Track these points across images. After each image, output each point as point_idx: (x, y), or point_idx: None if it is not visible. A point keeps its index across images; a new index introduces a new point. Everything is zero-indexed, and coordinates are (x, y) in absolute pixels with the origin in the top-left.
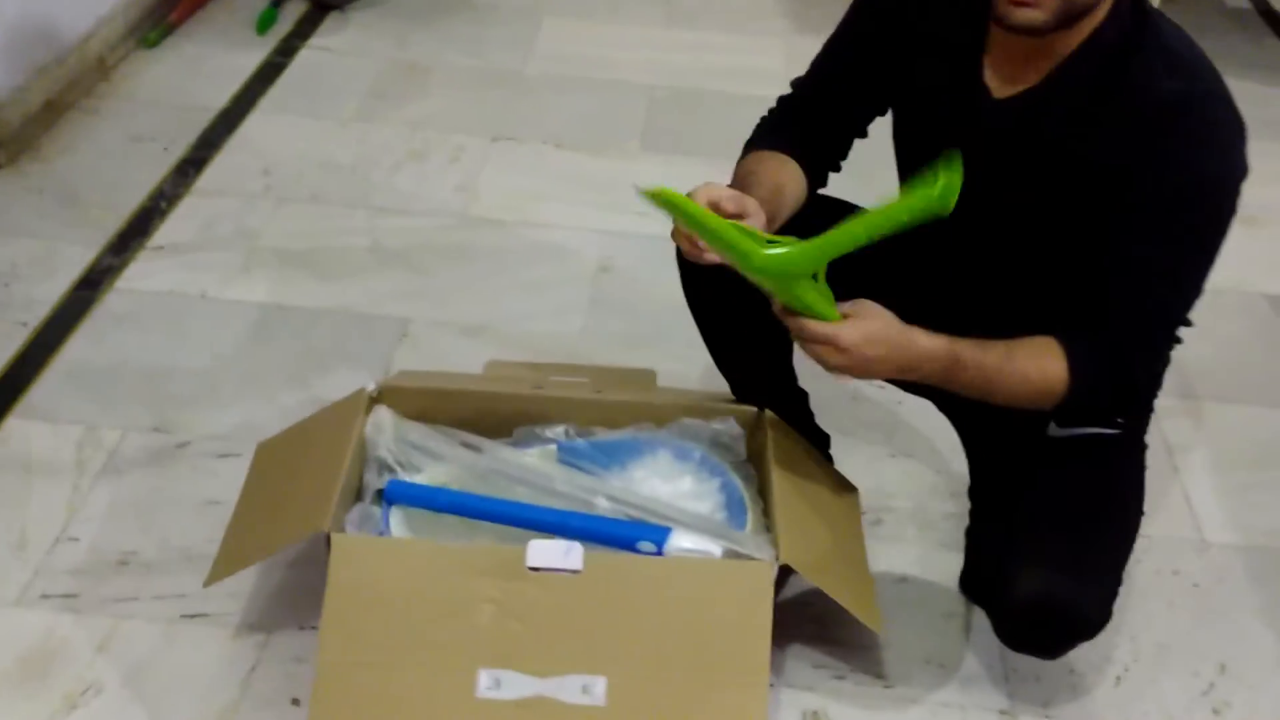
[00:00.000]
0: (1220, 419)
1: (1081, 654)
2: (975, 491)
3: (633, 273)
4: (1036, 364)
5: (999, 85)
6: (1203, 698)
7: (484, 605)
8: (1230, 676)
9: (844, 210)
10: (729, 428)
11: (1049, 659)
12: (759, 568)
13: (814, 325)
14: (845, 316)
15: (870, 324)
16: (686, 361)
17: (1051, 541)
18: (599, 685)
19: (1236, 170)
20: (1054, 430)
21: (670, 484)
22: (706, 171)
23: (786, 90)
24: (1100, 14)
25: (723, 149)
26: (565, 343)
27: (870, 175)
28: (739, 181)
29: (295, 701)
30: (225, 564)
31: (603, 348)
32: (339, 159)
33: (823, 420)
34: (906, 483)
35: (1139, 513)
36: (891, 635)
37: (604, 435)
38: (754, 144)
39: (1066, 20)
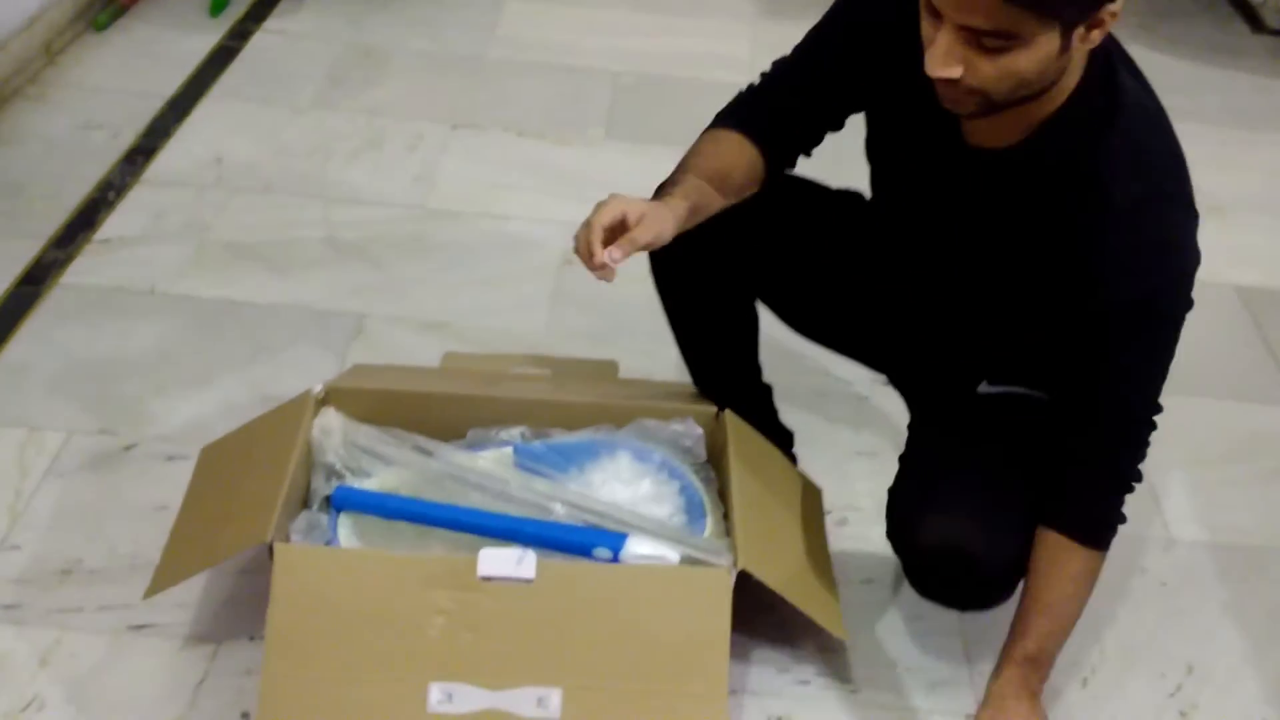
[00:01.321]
0: (1189, 414)
1: None
2: (905, 454)
3: None
4: (1073, 584)
5: (976, 134)
6: (1170, 699)
7: (435, 616)
8: (1198, 677)
9: (806, 193)
10: (689, 429)
11: (959, 609)
12: (716, 575)
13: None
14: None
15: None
16: (650, 357)
17: (961, 489)
18: (554, 697)
19: (1192, 265)
20: (984, 388)
21: (629, 487)
22: (672, 159)
23: (754, 77)
24: (1071, 80)
25: (688, 136)
26: (526, 339)
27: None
28: (685, 160)
29: (245, 715)
30: (166, 575)
31: (565, 344)
32: (294, 148)
33: (786, 416)
34: (872, 480)
35: None
36: (858, 639)
37: (561, 437)
38: (717, 121)
39: (999, 108)
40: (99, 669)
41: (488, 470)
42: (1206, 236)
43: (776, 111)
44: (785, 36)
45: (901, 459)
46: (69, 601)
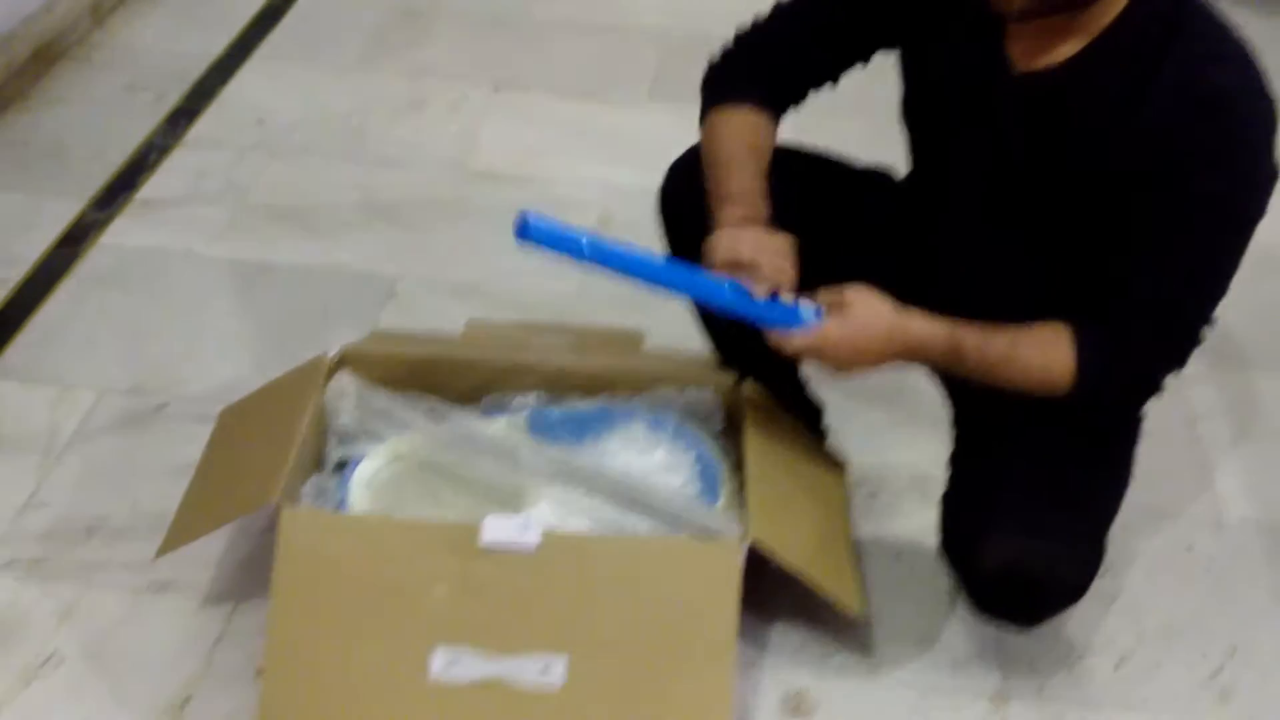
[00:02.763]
0: (1247, 388)
1: (1083, 635)
2: (956, 453)
3: (634, 228)
4: (1041, 356)
5: (1023, 58)
6: (1210, 681)
7: (439, 583)
8: (1240, 659)
9: (835, 170)
10: (704, 397)
11: (1023, 628)
12: (725, 547)
13: (798, 338)
14: (830, 305)
15: (858, 313)
16: (683, 326)
17: (1025, 505)
18: (558, 665)
19: (1267, 172)
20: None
21: (643, 456)
22: None
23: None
24: None
25: None
26: (558, 303)
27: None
28: (719, 156)
29: (260, 675)
30: (176, 535)
31: (598, 309)
32: (335, 109)
33: (818, 388)
34: (906, 452)
35: (1124, 482)
36: (883, 613)
37: (576, 404)
38: (721, 93)
39: (1055, 8)
40: (118, 626)
41: (500, 437)
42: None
43: (779, 70)
44: None
45: (952, 459)
46: (93, 558)
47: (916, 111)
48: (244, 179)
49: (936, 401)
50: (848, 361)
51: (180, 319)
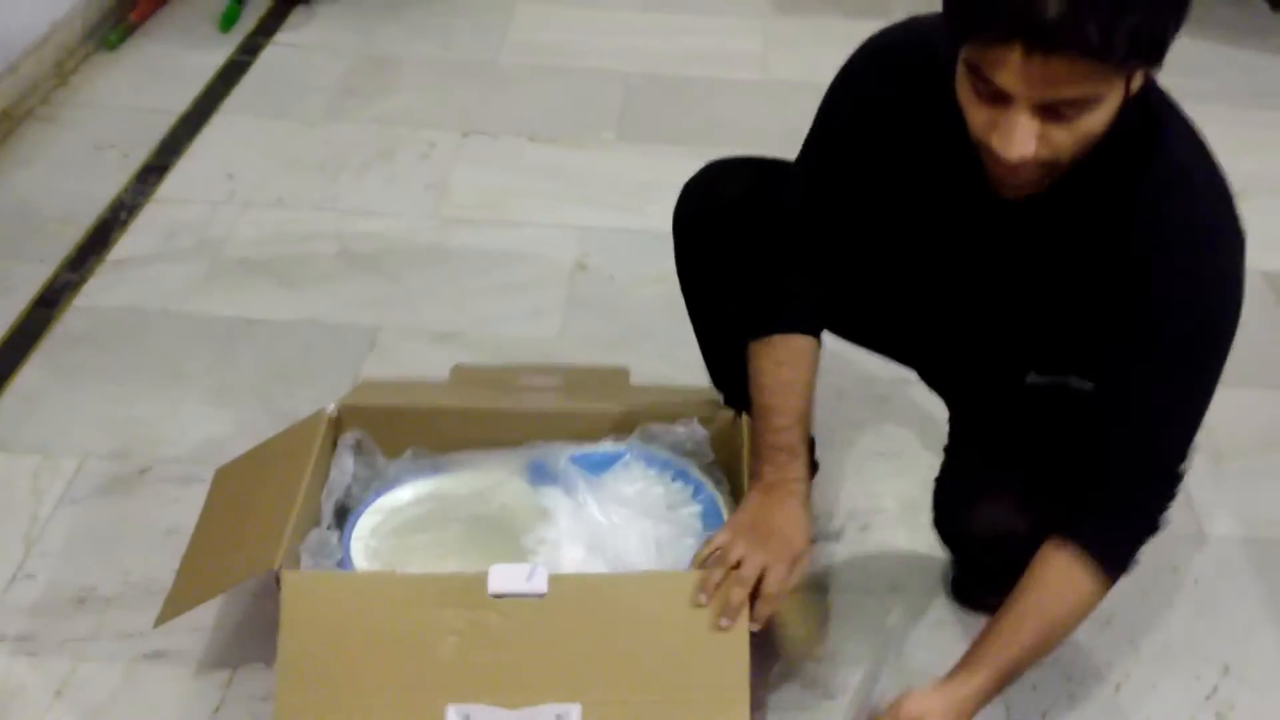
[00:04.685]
0: (1217, 405)
1: (1080, 660)
2: (950, 445)
3: (610, 270)
4: (1065, 606)
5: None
6: (1206, 702)
7: (447, 637)
8: (1234, 678)
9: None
10: (692, 431)
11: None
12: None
13: None
14: None
15: None
16: (667, 361)
17: (1009, 477)
18: (574, 714)
19: (1237, 300)
20: (1033, 378)
21: (644, 495)
22: (684, 162)
23: (766, 73)
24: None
25: (701, 136)
26: (541, 346)
27: None
28: (768, 401)
29: None
30: (176, 603)
31: (580, 350)
32: (306, 161)
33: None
34: (894, 481)
35: None
36: (880, 648)
37: (571, 450)
38: (766, 322)
39: (1063, 172)
40: (114, 698)
41: (500, 488)
42: None
43: (815, 289)
44: (799, 31)
45: (946, 450)
46: (83, 630)
47: (885, 226)
48: (217, 234)
49: (923, 430)
50: None
51: (160, 379)
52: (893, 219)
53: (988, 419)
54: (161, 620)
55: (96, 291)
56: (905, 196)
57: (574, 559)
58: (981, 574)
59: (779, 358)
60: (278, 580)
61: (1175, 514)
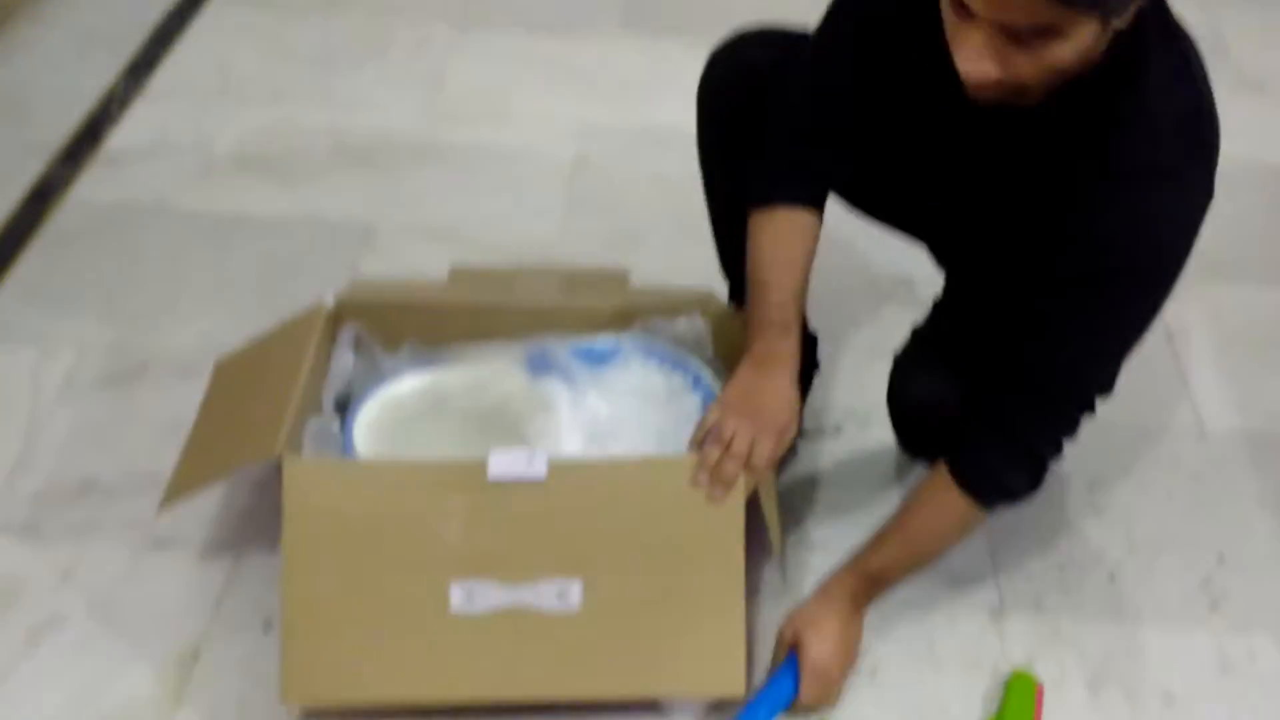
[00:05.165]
0: (1224, 300)
1: (1076, 549)
2: (924, 319)
3: (611, 167)
4: (939, 520)
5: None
6: (1200, 590)
7: (450, 520)
8: (1228, 567)
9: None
10: (693, 324)
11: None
12: None
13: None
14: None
15: (814, 652)
16: (668, 259)
17: (951, 355)
18: (574, 589)
19: (1181, 253)
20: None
21: (643, 386)
22: (690, 54)
23: None
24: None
25: (710, 26)
26: (540, 246)
27: None
28: (763, 275)
29: (268, 625)
30: (178, 489)
31: (579, 249)
32: (299, 53)
33: (810, 316)
34: None
35: None
36: None
37: (570, 342)
38: (767, 191)
39: (1033, 95)
40: (120, 584)
41: (500, 377)
42: (1244, 116)
43: (819, 160)
44: None
45: (912, 329)
46: (87, 519)
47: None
48: (210, 129)
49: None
50: (837, 661)
51: (156, 273)
52: (890, 105)
53: (964, 299)
54: (165, 505)
55: (90, 187)
56: (902, 85)
57: (574, 449)
58: (912, 447)
59: (778, 231)
60: (280, 466)
61: (1178, 409)
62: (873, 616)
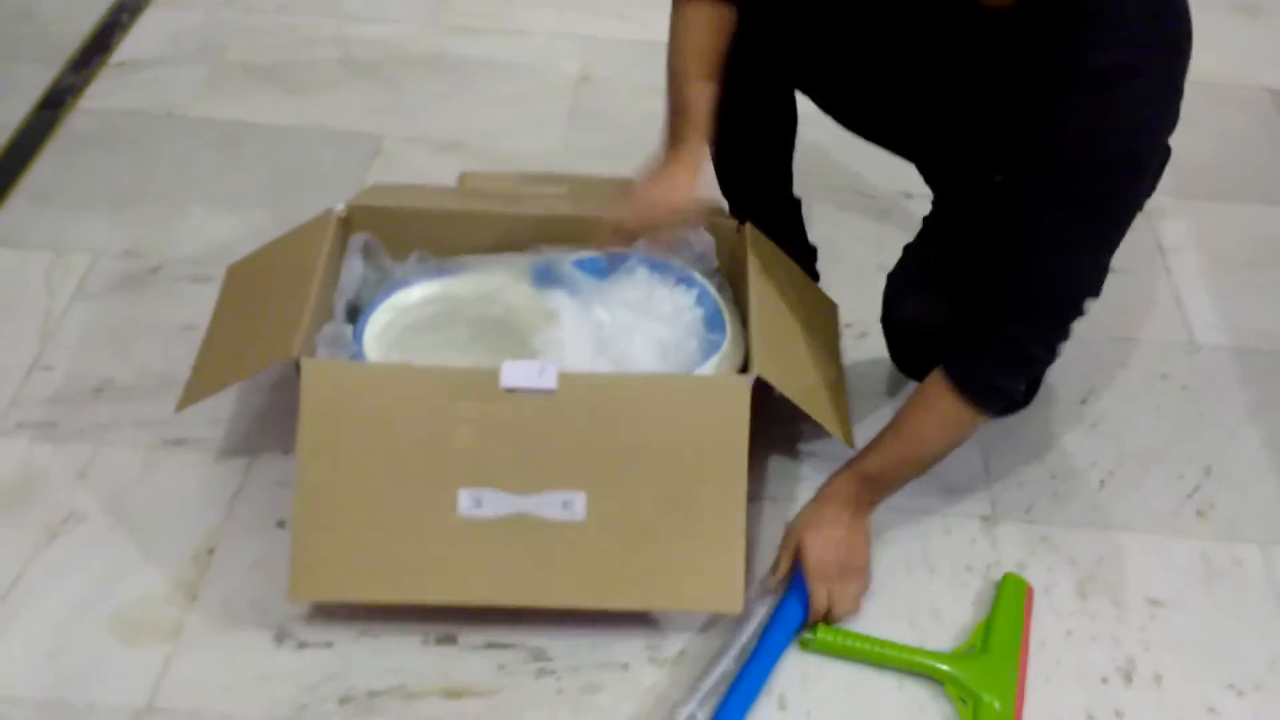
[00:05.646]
0: (1215, 218)
1: (1066, 458)
2: (914, 239)
3: (615, 82)
4: (933, 423)
5: None
6: (1188, 500)
7: (461, 426)
8: (1216, 478)
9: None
10: (699, 237)
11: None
12: (735, 383)
13: (814, 615)
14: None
15: (811, 552)
16: None
17: (944, 267)
18: (579, 501)
19: (1151, 152)
20: (999, 178)
21: (648, 299)
22: None
23: None
24: None
25: None
26: (544, 159)
27: None
28: (676, 70)
29: (280, 524)
30: (196, 388)
31: (583, 162)
32: None
33: (809, 230)
34: None
35: None
36: None
37: (576, 254)
38: None
39: None
40: (136, 482)
41: (507, 286)
42: (1237, 37)
43: None
44: None
45: (905, 247)
46: (103, 418)
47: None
48: (219, 38)
49: None
50: (836, 565)
51: (167, 180)
52: (860, 9)
53: (951, 218)
54: (183, 404)
55: (100, 94)
56: None
57: (580, 360)
58: (906, 364)
59: (694, 22)
60: (297, 367)
61: (1170, 325)
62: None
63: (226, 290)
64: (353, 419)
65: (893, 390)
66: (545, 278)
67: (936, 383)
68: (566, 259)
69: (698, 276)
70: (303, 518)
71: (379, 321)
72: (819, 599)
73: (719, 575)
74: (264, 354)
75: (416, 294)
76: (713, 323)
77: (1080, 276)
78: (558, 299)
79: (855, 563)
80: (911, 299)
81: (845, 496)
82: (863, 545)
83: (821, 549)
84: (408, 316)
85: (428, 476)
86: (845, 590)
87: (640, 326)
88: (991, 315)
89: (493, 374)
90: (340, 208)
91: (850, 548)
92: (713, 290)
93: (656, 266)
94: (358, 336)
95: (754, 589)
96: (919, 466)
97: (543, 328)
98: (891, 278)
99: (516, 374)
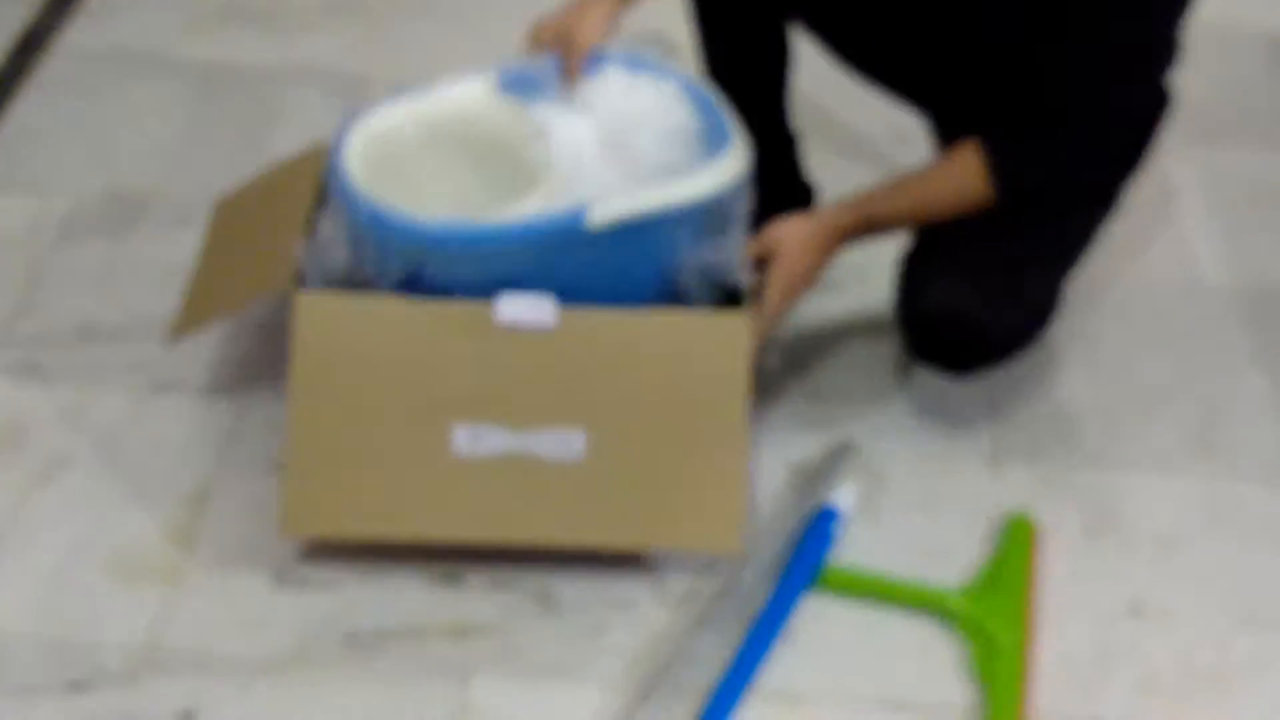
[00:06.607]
0: (1219, 162)
1: (1071, 399)
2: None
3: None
4: (953, 181)
5: None
6: (1193, 440)
7: (457, 362)
8: (1221, 419)
9: None
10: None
11: (956, 376)
12: (735, 321)
13: (762, 317)
14: (761, 256)
15: (788, 251)
16: None
17: (969, 254)
18: (577, 439)
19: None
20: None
21: (631, 96)
22: None
23: None
24: None
25: None
26: None
27: None
28: None
29: (274, 467)
30: (187, 320)
31: None
32: None
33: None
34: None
35: (1075, 254)
36: (877, 387)
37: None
38: None
39: None
40: (125, 426)
41: (480, 99)
42: None
43: None
44: None
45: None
46: (91, 361)
47: None
48: None
49: None
50: (803, 287)
51: (149, 122)
52: None
53: None
54: (174, 335)
55: (78, 35)
56: None
57: (586, 167)
58: (928, 352)
59: None
60: (290, 301)
61: (1176, 265)
62: (874, 462)
63: (215, 224)
64: (346, 353)
65: (888, 329)
66: (518, 86)
67: (969, 159)
68: (535, 62)
69: (676, 70)
70: (296, 452)
71: (357, 149)
72: (772, 302)
73: (718, 515)
74: (255, 285)
75: (389, 118)
76: (708, 114)
77: (1104, 94)
78: (540, 111)
79: (814, 283)
80: (944, 284)
81: (840, 232)
82: (824, 268)
83: (794, 264)
84: (388, 143)
85: (423, 411)
86: (794, 300)
87: (638, 121)
88: (1034, 115)
89: (490, 309)
90: (330, 140)
91: (817, 273)
92: (695, 81)
93: (634, 62)
94: (335, 167)
95: (757, 531)
96: (914, 223)
97: (533, 144)
98: (909, 265)
99: (514, 309)
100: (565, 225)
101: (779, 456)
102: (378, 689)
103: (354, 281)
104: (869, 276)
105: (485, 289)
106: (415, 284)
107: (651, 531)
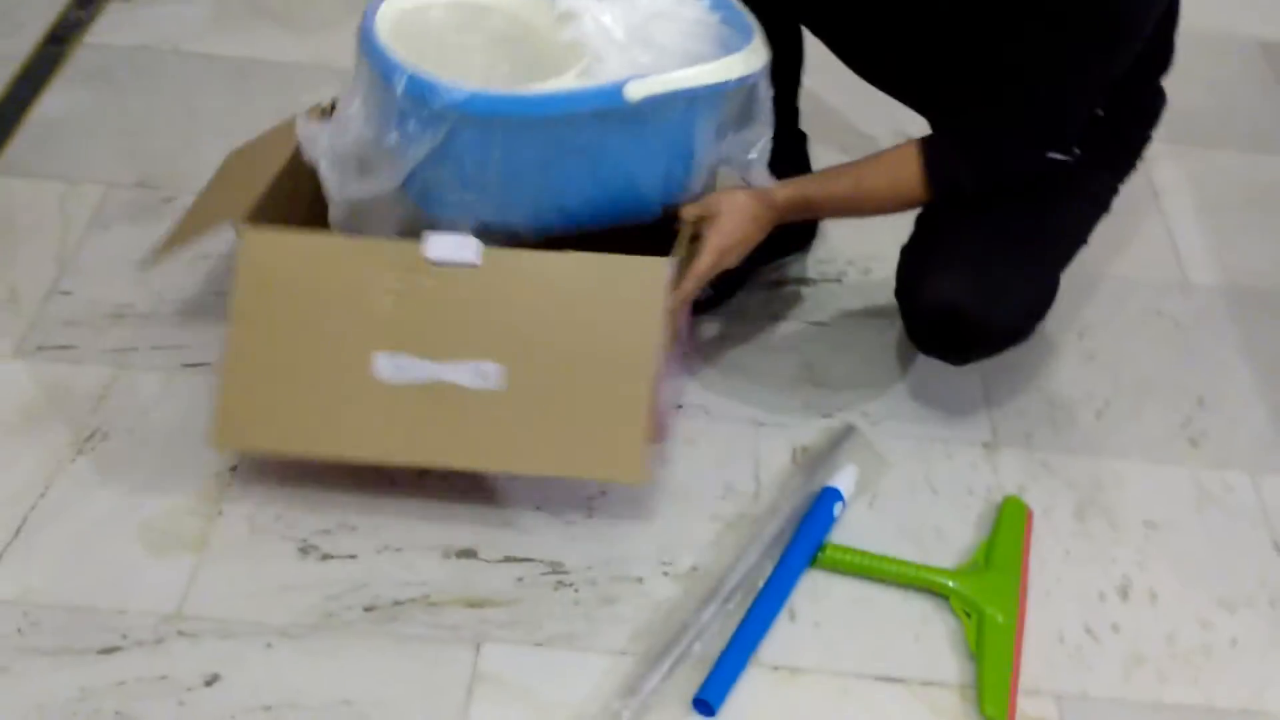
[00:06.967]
0: (1206, 164)
1: (1065, 389)
2: (922, 214)
3: None
4: (888, 178)
5: None
6: (1181, 429)
7: (384, 295)
8: (1208, 410)
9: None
10: None
11: (955, 364)
12: (654, 265)
13: (690, 276)
14: (700, 220)
15: (726, 218)
16: None
17: (968, 249)
18: (493, 370)
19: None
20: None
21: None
22: None
23: None
24: None
25: None
26: None
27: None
28: None
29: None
30: (161, 251)
31: None
32: None
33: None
34: (895, 233)
35: (1072, 247)
36: (878, 376)
37: None
38: None
39: None
40: (157, 404)
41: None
42: None
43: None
44: None
45: (917, 217)
46: (122, 342)
47: None
48: None
49: None
50: (736, 254)
51: (174, 115)
52: None
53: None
54: (155, 259)
55: (106, 30)
56: None
57: (615, 58)
58: (929, 343)
59: None
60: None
61: (1164, 264)
62: (875, 448)
63: (220, 168)
64: (284, 283)
65: (891, 319)
66: None
67: (908, 156)
68: None
69: None
70: (230, 373)
71: (386, 22)
72: (702, 263)
73: (622, 446)
74: (217, 214)
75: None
76: (723, 6)
77: (1061, 106)
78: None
79: (745, 253)
80: (944, 278)
81: (779, 210)
82: (757, 240)
83: (731, 230)
84: (421, 20)
85: (349, 339)
86: (723, 265)
87: (661, 12)
88: (978, 121)
89: (417, 245)
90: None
91: (750, 244)
92: None
93: None
94: (366, 35)
95: (760, 508)
96: (846, 214)
97: (565, 25)
98: (909, 256)
99: (441, 247)
100: (606, 96)
101: (784, 439)
102: (395, 655)
103: (362, 160)
104: (872, 266)
105: (512, 167)
106: (442, 159)
107: (564, 462)
